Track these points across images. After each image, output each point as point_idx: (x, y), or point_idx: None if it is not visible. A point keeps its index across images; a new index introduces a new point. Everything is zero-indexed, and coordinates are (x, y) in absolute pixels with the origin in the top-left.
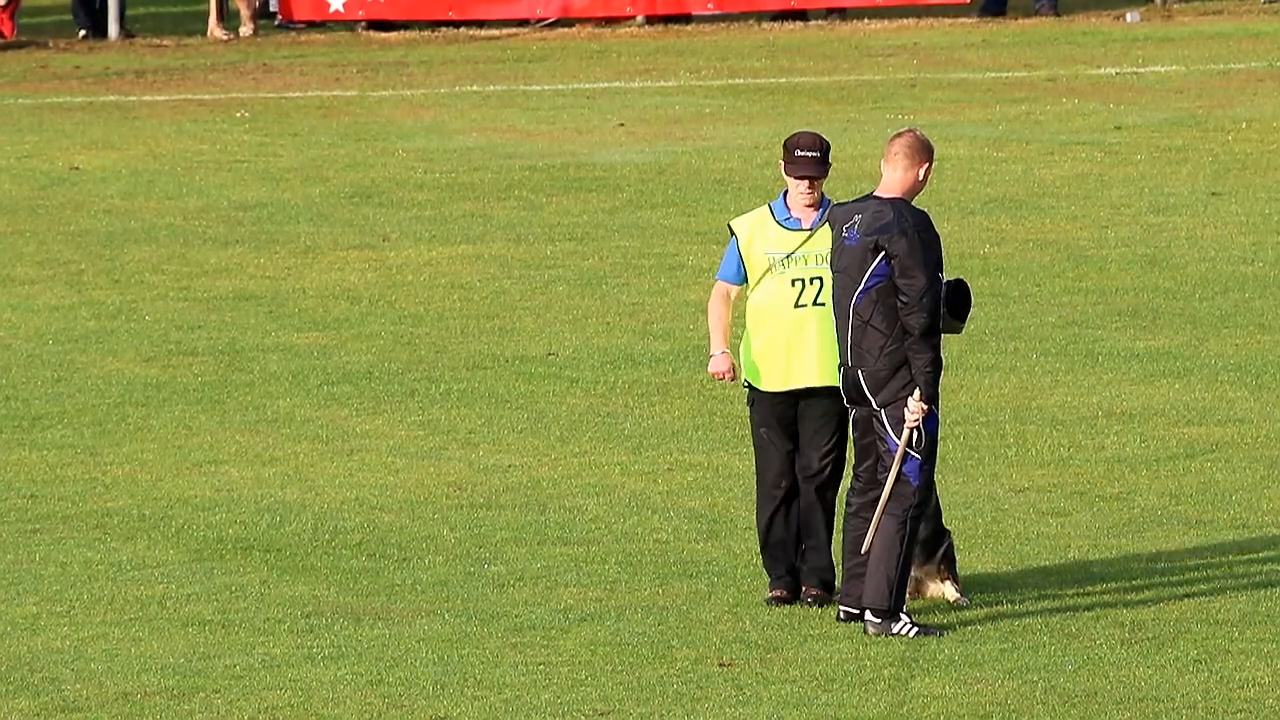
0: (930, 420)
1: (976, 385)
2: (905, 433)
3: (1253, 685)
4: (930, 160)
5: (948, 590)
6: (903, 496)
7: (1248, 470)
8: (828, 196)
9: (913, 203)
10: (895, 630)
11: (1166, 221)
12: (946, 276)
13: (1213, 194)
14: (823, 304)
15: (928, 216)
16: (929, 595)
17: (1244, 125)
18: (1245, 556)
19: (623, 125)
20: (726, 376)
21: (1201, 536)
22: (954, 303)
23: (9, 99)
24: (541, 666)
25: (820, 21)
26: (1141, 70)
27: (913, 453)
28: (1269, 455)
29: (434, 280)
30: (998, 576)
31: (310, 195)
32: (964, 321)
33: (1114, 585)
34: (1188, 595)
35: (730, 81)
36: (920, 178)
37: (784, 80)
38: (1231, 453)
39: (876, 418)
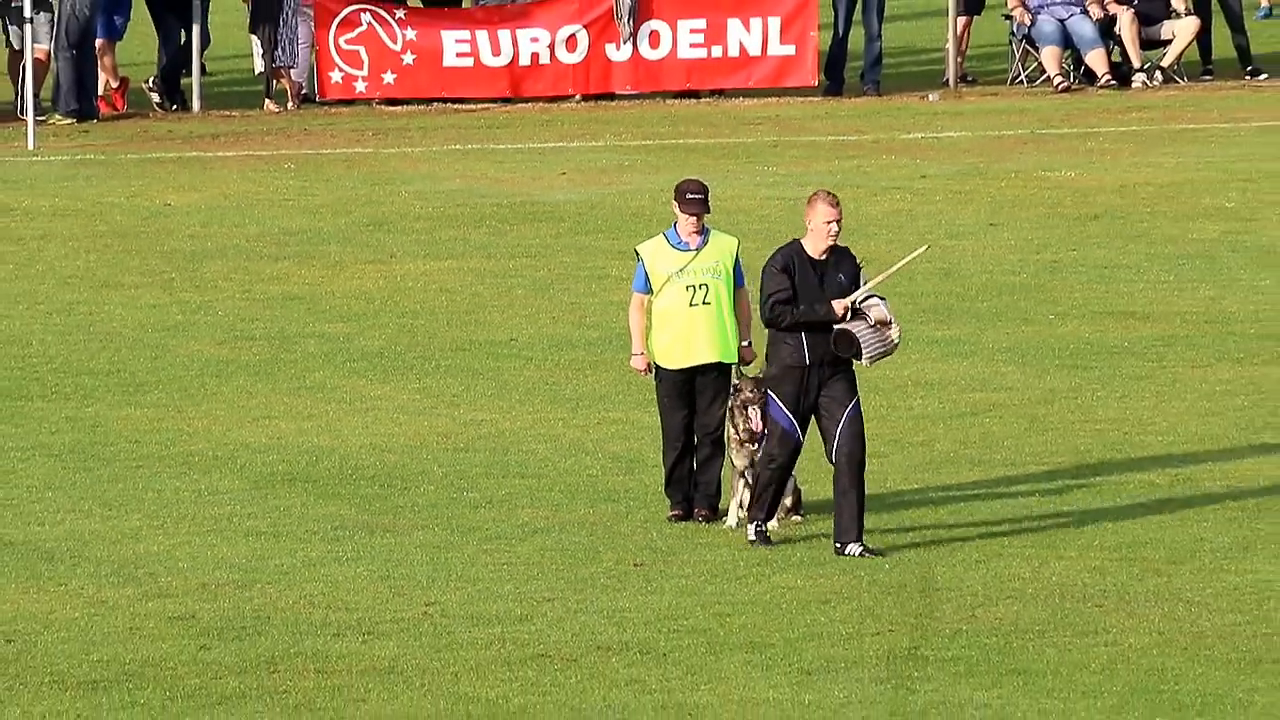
0: (772, 405)
1: None
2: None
3: (1018, 579)
4: (811, 208)
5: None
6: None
7: (1015, 424)
8: (708, 226)
9: (803, 239)
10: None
11: (957, 244)
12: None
13: (991, 224)
14: (709, 303)
15: (779, 252)
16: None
17: (1014, 175)
18: (1014, 486)
19: (564, 174)
20: (643, 373)
21: (982, 472)
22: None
23: (120, 154)
24: (505, 566)
25: (709, 99)
26: (939, 135)
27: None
28: (1030, 413)
29: (428, 286)
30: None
31: (338, 224)
32: (856, 356)
33: (919, 508)
34: (970, 515)
35: (643, 143)
36: (807, 223)
37: (682, 142)
38: (1004, 412)
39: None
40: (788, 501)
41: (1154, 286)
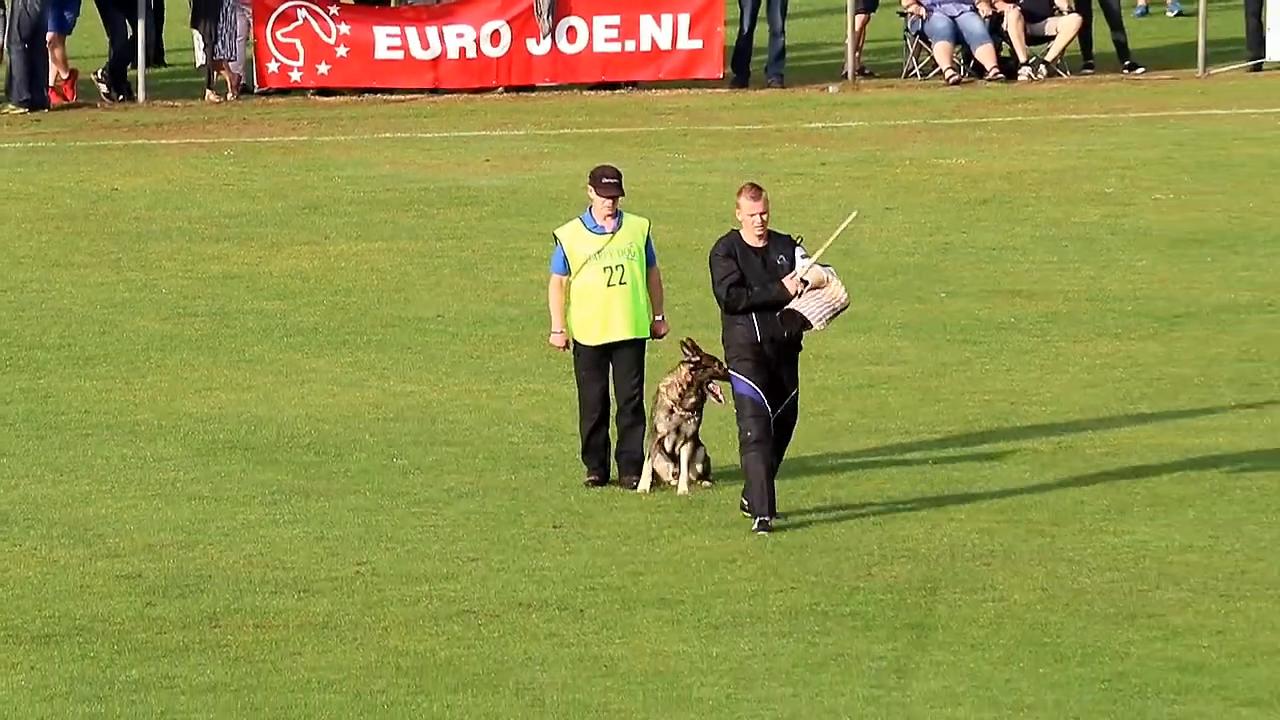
0: (737, 383)
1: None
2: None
3: (912, 539)
4: (737, 202)
5: (681, 484)
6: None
7: (909, 395)
8: (620, 209)
9: (740, 228)
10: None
11: (855, 227)
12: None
13: (887, 209)
14: (625, 283)
15: (720, 241)
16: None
17: (908, 162)
18: (908, 453)
19: (488, 161)
20: (561, 349)
21: (879, 440)
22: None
23: (70, 142)
24: (432, 528)
25: (623, 91)
26: (839, 124)
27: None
28: (923, 385)
29: (359, 266)
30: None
31: (275, 208)
32: (797, 327)
33: (820, 474)
34: (868, 480)
35: (561, 131)
36: (737, 215)
37: (598, 130)
38: (899, 384)
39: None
40: (699, 468)
41: (1039, 267)
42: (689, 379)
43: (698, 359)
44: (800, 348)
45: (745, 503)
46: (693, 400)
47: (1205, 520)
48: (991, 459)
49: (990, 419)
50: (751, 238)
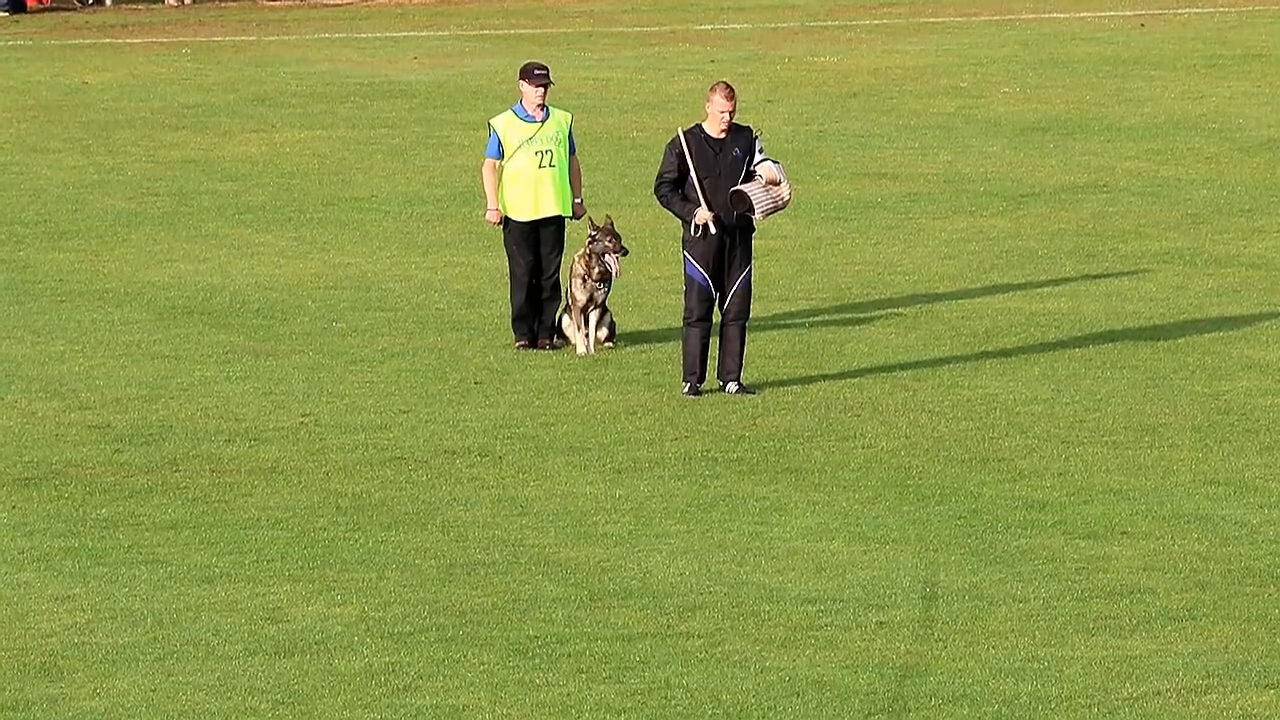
0: (687, 264)
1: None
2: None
3: (791, 393)
4: (710, 97)
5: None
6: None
7: (789, 266)
8: (547, 103)
9: (704, 123)
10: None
11: (740, 118)
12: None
13: (768, 101)
14: (554, 166)
15: (679, 134)
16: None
17: (786, 60)
18: (788, 318)
19: (416, 58)
20: (496, 224)
21: (761, 308)
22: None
23: (46, 41)
24: (368, 384)
25: None
26: (725, 27)
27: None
28: (801, 257)
29: (302, 151)
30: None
31: (228, 100)
32: (750, 212)
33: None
34: (751, 341)
35: (481, 32)
36: (707, 109)
37: (513, 32)
38: (779, 256)
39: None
40: (602, 335)
41: (902, 152)
42: (587, 251)
43: (594, 233)
44: (754, 229)
45: (721, 382)
46: (597, 270)
47: (1048, 376)
48: (860, 322)
49: (860, 287)
50: (715, 130)
